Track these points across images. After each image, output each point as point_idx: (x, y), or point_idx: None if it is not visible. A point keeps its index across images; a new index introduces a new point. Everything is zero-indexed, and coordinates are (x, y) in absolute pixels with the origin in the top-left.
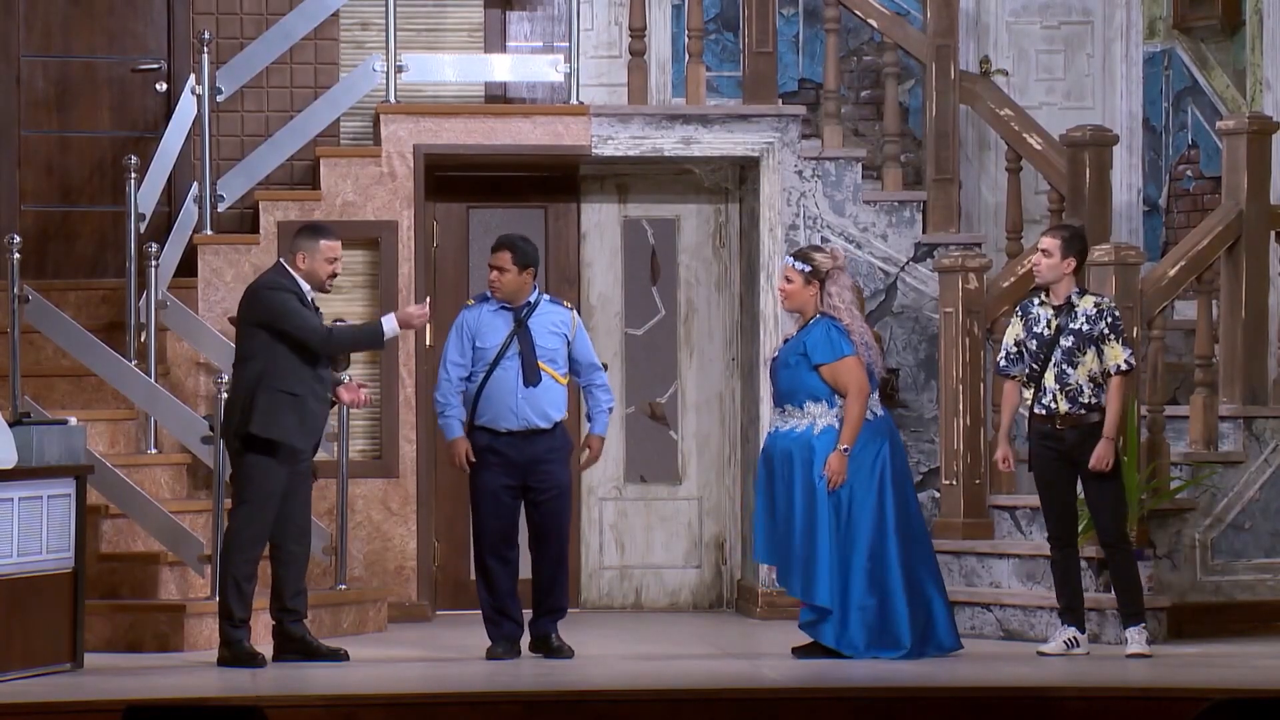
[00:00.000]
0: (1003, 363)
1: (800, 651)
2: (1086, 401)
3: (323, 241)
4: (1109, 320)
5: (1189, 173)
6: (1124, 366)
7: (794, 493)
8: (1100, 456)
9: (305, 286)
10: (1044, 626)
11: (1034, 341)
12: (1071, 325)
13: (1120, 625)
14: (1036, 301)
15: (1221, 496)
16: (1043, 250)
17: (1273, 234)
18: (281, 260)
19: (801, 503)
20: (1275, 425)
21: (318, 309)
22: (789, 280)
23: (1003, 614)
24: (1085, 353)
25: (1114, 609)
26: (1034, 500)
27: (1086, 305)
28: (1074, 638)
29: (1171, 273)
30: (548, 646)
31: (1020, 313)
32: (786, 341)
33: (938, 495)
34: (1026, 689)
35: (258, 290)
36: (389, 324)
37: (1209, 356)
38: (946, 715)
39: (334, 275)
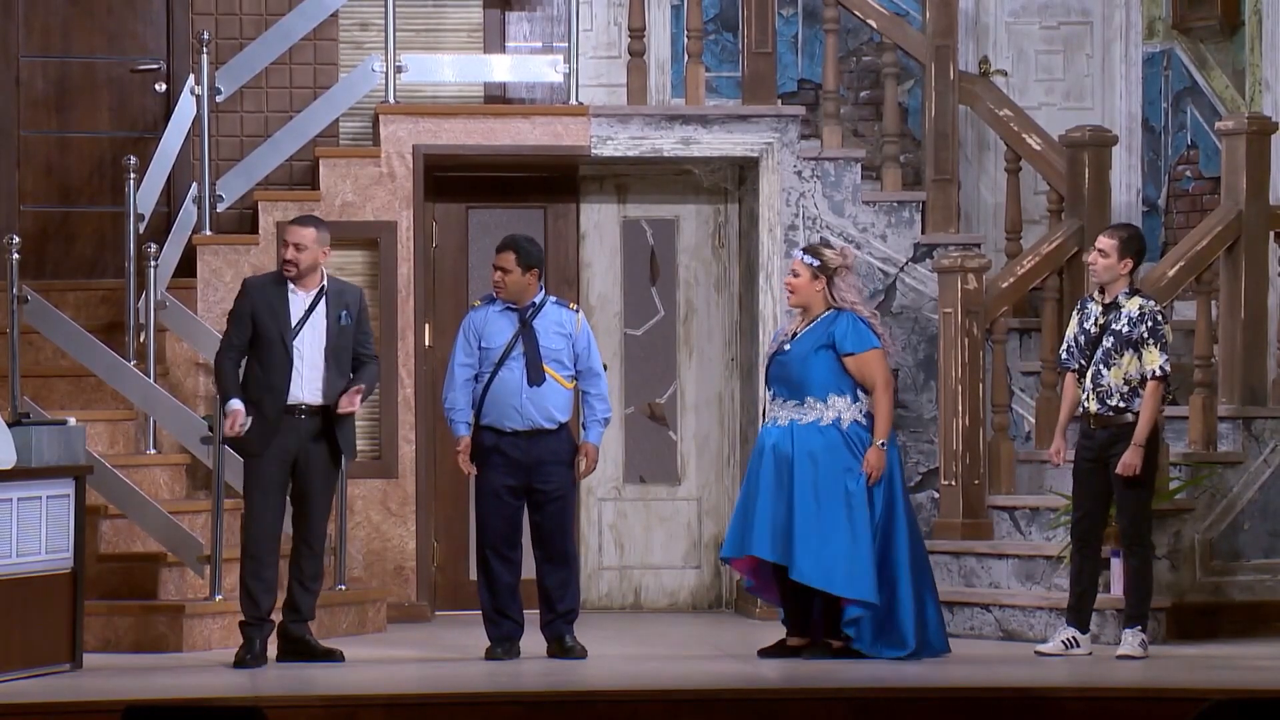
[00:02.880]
0: (1063, 356)
1: (766, 652)
2: (1115, 405)
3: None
4: (1149, 324)
5: (1188, 173)
6: (1158, 372)
7: (820, 488)
8: (1126, 464)
9: (293, 285)
10: (1043, 627)
11: (1083, 338)
12: (1114, 326)
13: (1119, 625)
14: (1092, 298)
15: (1220, 497)
16: (1099, 250)
17: (1272, 234)
18: None
19: (837, 499)
20: (1274, 426)
21: (342, 315)
22: (796, 274)
23: (1002, 614)
24: (1123, 355)
25: (1115, 610)
26: (1033, 500)
27: (1131, 308)
28: (1073, 638)
29: (1171, 273)
30: (562, 647)
31: (1079, 306)
32: (795, 335)
33: (937, 495)
34: (1026, 689)
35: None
36: (232, 404)
37: (1208, 357)
38: (946, 715)
39: (285, 261)
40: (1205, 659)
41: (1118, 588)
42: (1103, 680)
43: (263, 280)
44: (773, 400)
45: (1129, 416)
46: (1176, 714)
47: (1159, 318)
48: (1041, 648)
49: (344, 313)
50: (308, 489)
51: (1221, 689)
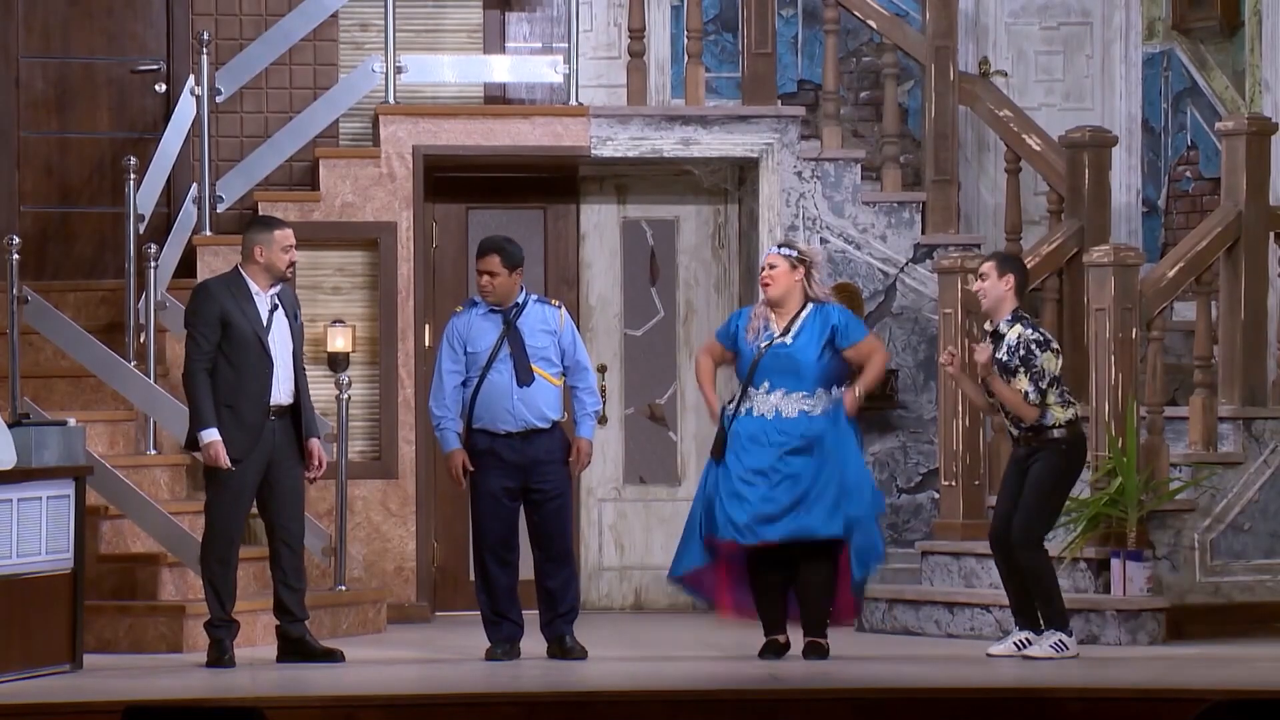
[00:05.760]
0: None
1: (766, 652)
2: (1027, 425)
3: (276, 232)
4: (1021, 355)
5: (1188, 174)
6: (1029, 395)
7: (846, 456)
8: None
9: (254, 287)
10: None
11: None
12: (999, 355)
13: (1119, 626)
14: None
15: (1221, 497)
16: (980, 274)
17: (1271, 235)
18: (238, 266)
19: (852, 464)
20: (1274, 426)
21: (296, 315)
22: (773, 266)
23: (1002, 615)
24: (1010, 381)
25: (1113, 610)
26: None
27: (1011, 336)
28: (1025, 639)
29: (1170, 274)
30: (562, 647)
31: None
32: (789, 330)
33: (937, 495)
34: (1026, 689)
35: (193, 290)
36: (207, 433)
37: (1208, 357)
38: (946, 715)
39: (292, 264)
40: (1205, 659)
41: (1118, 588)
42: (1103, 680)
43: (223, 282)
44: (763, 391)
45: (1044, 434)
46: (1176, 714)
47: (1033, 347)
48: (993, 649)
49: (297, 312)
50: (283, 489)
51: (1221, 689)
